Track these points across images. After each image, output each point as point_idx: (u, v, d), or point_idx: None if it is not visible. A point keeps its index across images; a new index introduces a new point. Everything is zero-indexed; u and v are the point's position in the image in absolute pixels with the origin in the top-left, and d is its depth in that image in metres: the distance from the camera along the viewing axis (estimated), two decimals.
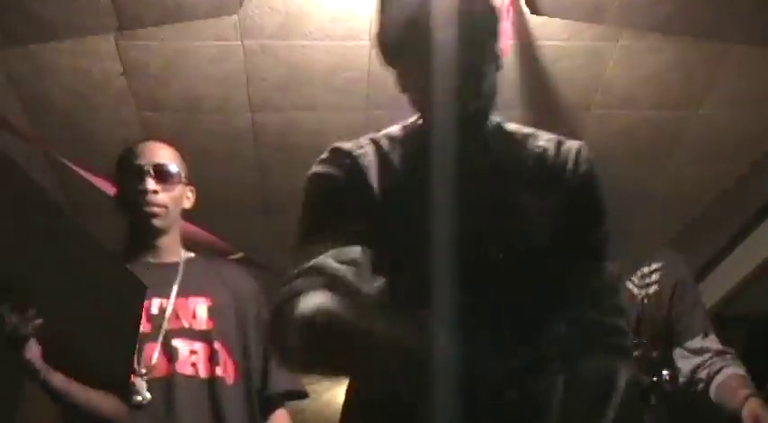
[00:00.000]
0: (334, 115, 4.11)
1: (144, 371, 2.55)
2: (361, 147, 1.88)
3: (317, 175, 1.87)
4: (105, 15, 3.53)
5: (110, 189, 3.60)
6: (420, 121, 1.90)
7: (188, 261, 2.82)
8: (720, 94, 4.20)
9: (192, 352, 2.62)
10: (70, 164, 3.68)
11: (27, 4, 3.49)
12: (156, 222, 2.74)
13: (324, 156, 1.90)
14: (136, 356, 2.53)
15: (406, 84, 1.83)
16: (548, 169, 1.84)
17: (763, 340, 4.08)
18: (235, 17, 3.63)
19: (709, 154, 4.60)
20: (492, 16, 1.83)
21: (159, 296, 2.66)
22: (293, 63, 3.88)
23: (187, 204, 2.88)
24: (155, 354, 2.58)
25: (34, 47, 3.70)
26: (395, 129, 1.94)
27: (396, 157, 1.86)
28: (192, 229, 3.79)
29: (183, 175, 2.83)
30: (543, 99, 4.16)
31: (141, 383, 2.53)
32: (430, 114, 1.83)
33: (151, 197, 2.70)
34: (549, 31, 3.81)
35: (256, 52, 3.82)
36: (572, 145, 1.90)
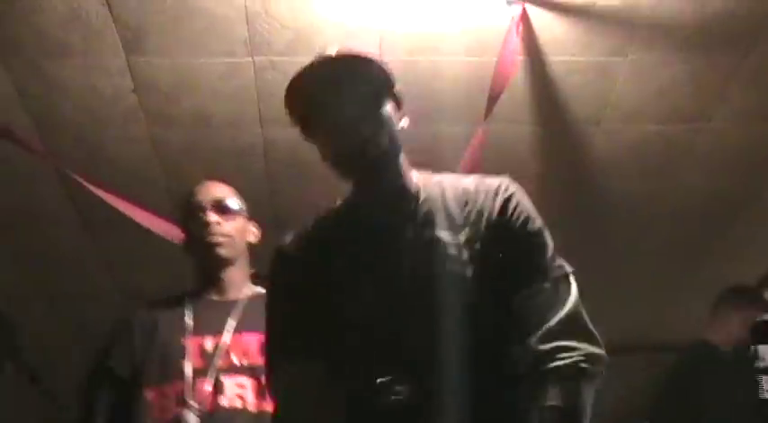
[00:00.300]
0: None
1: (195, 405, 2.58)
2: (301, 235, 2.07)
3: (269, 288, 2.11)
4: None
5: (123, 206, 3.63)
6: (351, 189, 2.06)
7: (252, 297, 2.82)
8: (731, 108, 4.20)
9: (240, 386, 2.64)
10: (80, 179, 3.69)
11: (38, 22, 3.51)
12: (221, 251, 2.79)
13: (272, 262, 2.07)
14: (190, 391, 2.60)
15: (321, 153, 2.02)
16: (470, 207, 1.95)
17: None
18: (245, 34, 3.65)
19: (721, 168, 4.60)
20: (378, 78, 1.99)
21: (214, 334, 2.71)
22: None
23: (252, 239, 2.92)
24: (205, 388, 2.62)
25: (45, 63, 3.72)
26: (337, 202, 2.09)
27: (331, 233, 2.03)
28: None
29: (243, 208, 2.90)
30: (553, 114, 4.16)
31: (192, 418, 2.57)
32: (344, 177, 2.01)
33: (214, 228, 2.77)
34: (558, 46, 3.82)
35: (266, 68, 3.83)
36: (493, 181, 2.01)
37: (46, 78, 3.79)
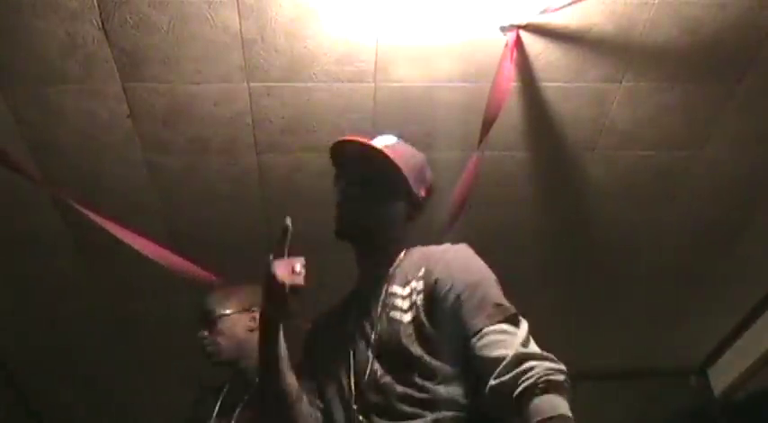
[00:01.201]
0: None
1: None
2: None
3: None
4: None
5: (118, 231, 3.64)
6: None
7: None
8: (724, 134, 4.22)
9: None
10: (76, 205, 3.69)
11: (35, 48, 3.53)
12: (215, 361, 3.29)
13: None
14: None
15: None
16: (425, 265, 2.25)
17: None
18: (240, 60, 3.66)
19: (714, 193, 4.61)
20: (390, 177, 2.37)
21: (228, 418, 3.18)
22: (299, 105, 3.90)
23: (253, 325, 3.27)
24: None
25: (42, 89, 3.73)
26: None
27: (338, 304, 2.48)
28: (198, 271, 3.80)
29: (226, 311, 3.33)
30: (547, 140, 4.18)
31: None
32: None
33: (201, 342, 3.31)
34: (552, 72, 3.84)
35: (262, 94, 3.85)
36: (449, 245, 2.33)
37: (42, 104, 3.79)
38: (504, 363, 1.95)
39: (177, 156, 4.12)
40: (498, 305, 2.08)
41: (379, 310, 2.24)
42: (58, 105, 3.81)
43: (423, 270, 2.23)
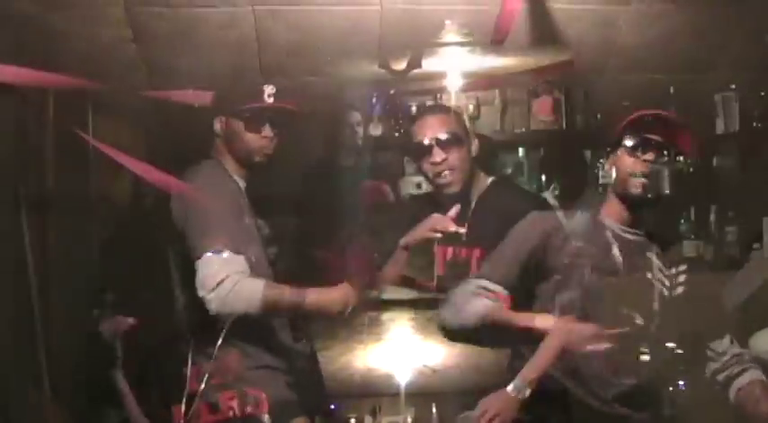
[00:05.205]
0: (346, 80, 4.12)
1: None
2: None
3: None
4: None
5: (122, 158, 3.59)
6: None
7: None
8: (733, 57, 4.20)
9: None
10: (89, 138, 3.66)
11: None
12: None
13: None
14: None
15: None
16: None
17: None
18: None
19: None
20: None
21: None
22: (304, 29, 3.87)
23: None
24: None
25: (44, 14, 3.69)
26: None
27: None
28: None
29: None
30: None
31: None
32: None
33: None
34: None
35: (267, 18, 3.81)
36: None
37: (43, 29, 3.75)
38: None
39: (181, 80, 4.09)
40: None
41: None
42: (61, 30, 3.77)
43: None
